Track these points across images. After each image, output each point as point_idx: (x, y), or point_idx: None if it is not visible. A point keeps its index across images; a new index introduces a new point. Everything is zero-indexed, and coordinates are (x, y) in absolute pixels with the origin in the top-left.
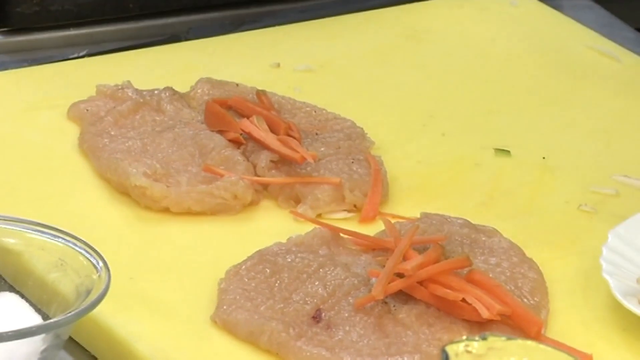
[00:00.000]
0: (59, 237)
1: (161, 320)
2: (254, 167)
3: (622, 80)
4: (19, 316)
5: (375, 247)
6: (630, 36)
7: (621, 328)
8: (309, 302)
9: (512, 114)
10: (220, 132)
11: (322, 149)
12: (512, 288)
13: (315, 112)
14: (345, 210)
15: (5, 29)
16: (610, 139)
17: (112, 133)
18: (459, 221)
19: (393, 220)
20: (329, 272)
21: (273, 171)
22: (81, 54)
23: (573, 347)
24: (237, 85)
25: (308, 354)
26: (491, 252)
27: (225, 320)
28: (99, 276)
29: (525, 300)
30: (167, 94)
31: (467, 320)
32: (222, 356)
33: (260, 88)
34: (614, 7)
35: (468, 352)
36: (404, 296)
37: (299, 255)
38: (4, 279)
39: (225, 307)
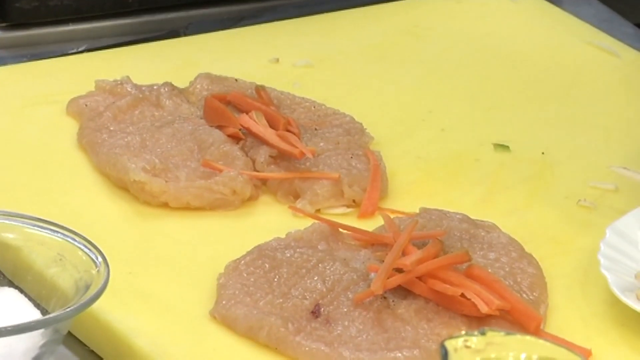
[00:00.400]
0: (58, 232)
1: (160, 315)
2: (253, 162)
3: (622, 76)
4: (18, 311)
5: (374, 242)
6: (630, 32)
7: (619, 323)
8: (308, 297)
9: (511, 109)
10: (219, 127)
11: (321, 144)
12: (511, 283)
13: (314, 107)
14: (344, 205)
15: (4, 24)
16: (610, 135)
17: (111, 128)
18: (458, 216)
19: (392, 216)
20: (327, 267)
21: (272, 166)
22: (80, 49)
23: (572, 342)
24: (236, 80)
25: (307, 349)
26: (490, 247)
27: (224, 315)
28: (98, 271)
29: (524, 295)
30: (166, 89)
31: (466, 315)
32: (221, 351)
33: (259, 83)
34: (614, 2)
35: (467, 347)
36: (403, 291)
37: (297, 250)
38: (3, 274)
39: (224, 302)
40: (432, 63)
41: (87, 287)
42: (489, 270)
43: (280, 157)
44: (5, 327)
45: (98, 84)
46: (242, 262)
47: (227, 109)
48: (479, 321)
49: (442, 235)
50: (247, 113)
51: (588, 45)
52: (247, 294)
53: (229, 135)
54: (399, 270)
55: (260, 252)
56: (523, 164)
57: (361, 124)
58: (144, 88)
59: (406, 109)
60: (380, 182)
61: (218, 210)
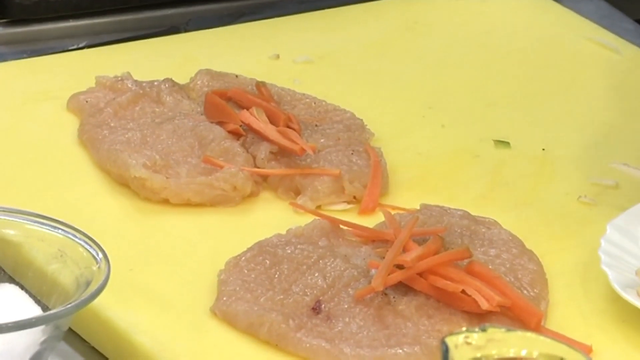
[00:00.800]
0: (58, 228)
1: (161, 311)
2: (254, 158)
3: (622, 72)
4: (18, 307)
5: (375, 239)
6: (630, 28)
7: (620, 320)
8: (308, 293)
9: (511, 105)
10: (220, 123)
11: (322, 140)
12: (512, 280)
13: (314, 103)
14: (344, 201)
15: (4, 20)
16: (610, 131)
17: (112, 124)
18: (458, 213)
19: (393, 212)
20: (328, 264)
21: (272, 162)
22: (81, 45)
23: (572, 339)
24: (237, 76)
25: (308, 345)
26: (491, 243)
27: (224, 311)
28: (99, 267)
29: (525, 291)
30: (167, 85)
31: (467, 311)
32: (221, 347)
33: (259, 79)
34: None
35: (468, 343)
36: (403, 288)
37: (298, 246)
38: (3, 270)
39: (224, 298)
40: (432, 59)
41: (88, 284)
42: (490, 267)
43: (281, 154)
44: (5, 324)
45: (98, 80)
46: (243, 258)
47: (228, 105)
48: (479, 317)
49: (442, 231)
50: (247, 109)
51: (588, 41)
52: (247, 290)
53: (229, 132)
54: (400, 267)
55: (261, 249)
56: (523, 161)
57: (362, 120)
58: (144, 84)
59: (406, 105)
60: (380, 178)
61: (219, 207)
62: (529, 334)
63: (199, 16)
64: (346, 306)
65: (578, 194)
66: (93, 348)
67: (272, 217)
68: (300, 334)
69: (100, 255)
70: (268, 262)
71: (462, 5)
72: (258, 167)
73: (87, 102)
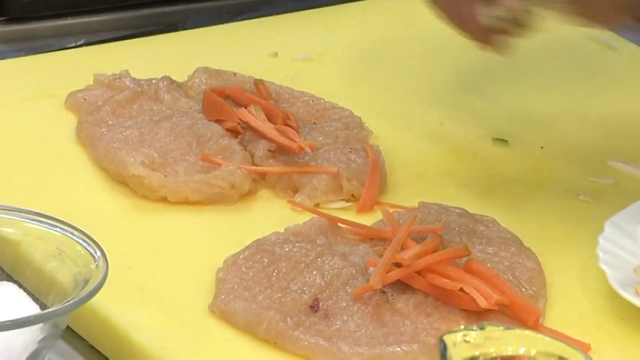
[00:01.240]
0: (56, 226)
1: (159, 309)
2: (252, 156)
3: (621, 70)
4: (16, 305)
5: (373, 237)
6: (628, 25)
7: (618, 318)
8: (306, 291)
9: (510, 103)
10: (218, 121)
11: (320, 138)
12: (510, 278)
13: (313, 101)
14: (343, 199)
15: (3, 18)
16: (609, 129)
17: (110, 122)
18: (457, 211)
19: (391, 210)
20: (326, 262)
21: (271, 160)
22: (79, 43)
23: (570, 337)
24: (235, 74)
25: (306, 343)
26: (489, 241)
27: (223, 309)
28: (97, 266)
29: (523, 289)
30: (165, 83)
31: (465, 309)
32: (220, 345)
33: (258, 77)
34: None
35: (466, 341)
36: (402, 286)
37: (296, 244)
38: (1, 269)
39: (223, 296)
40: (431, 57)
41: (86, 282)
42: (488, 265)
43: (279, 152)
44: (4, 322)
45: (97, 78)
46: (241, 256)
47: (226, 103)
48: (477, 316)
49: (441, 229)
50: (245, 107)
51: (587, 39)
52: (245, 288)
53: (227, 130)
54: (398, 265)
55: (259, 247)
56: (522, 159)
57: (360, 118)
58: (142, 82)
59: (405, 103)
60: (379, 176)
61: (217, 205)
62: (527, 332)
63: (197, 14)
64: (344, 304)
65: (576, 192)
66: (91, 346)
67: (270, 215)
68: (298, 332)
69: (98, 253)
70: (266, 260)
71: None
72: (256, 165)
73: (85, 100)
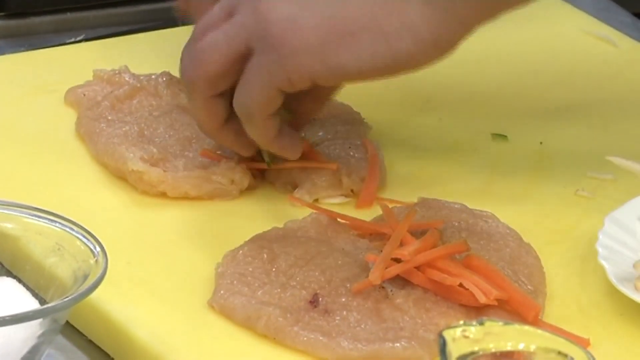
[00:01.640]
0: (56, 221)
1: (158, 305)
2: None
3: (619, 65)
4: (16, 301)
5: (373, 232)
6: (627, 21)
7: (618, 313)
8: (306, 287)
9: (509, 99)
10: None
11: (320, 133)
12: (510, 273)
13: None
14: (342, 195)
15: (2, 14)
16: (608, 124)
17: (109, 118)
18: (456, 206)
19: (390, 205)
20: (326, 257)
21: None
22: (78, 38)
23: (570, 332)
24: None
25: (305, 339)
26: (489, 237)
27: (222, 305)
28: (96, 261)
29: (522, 285)
30: (164, 78)
31: (465, 305)
32: (219, 341)
33: None
34: None
35: (465, 337)
36: (401, 281)
37: (296, 240)
38: (1, 264)
39: (222, 292)
40: None
41: (86, 277)
42: (487, 260)
43: None
44: (3, 317)
45: (96, 73)
46: (240, 251)
47: None
48: (477, 311)
49: (440, 225)
50: None
51: (585, 34)
52: (245, 283)
53: None
54: (397, 260)
55: (259, 242)
56: (521, 154)
57: (359, 113)
58: (142, 77)
59: (404, 98)
60: (378, 171)
61: (216, 200)
62: (526, 328)
63: None
64: (343, 300)
65: (575, 187)
66: (90, 341)
67: (270, 211)
68: (297, 328)
69: (98, 248)
70: (265, 255)
71: None
72: (256, 161)
73: (84, 95)
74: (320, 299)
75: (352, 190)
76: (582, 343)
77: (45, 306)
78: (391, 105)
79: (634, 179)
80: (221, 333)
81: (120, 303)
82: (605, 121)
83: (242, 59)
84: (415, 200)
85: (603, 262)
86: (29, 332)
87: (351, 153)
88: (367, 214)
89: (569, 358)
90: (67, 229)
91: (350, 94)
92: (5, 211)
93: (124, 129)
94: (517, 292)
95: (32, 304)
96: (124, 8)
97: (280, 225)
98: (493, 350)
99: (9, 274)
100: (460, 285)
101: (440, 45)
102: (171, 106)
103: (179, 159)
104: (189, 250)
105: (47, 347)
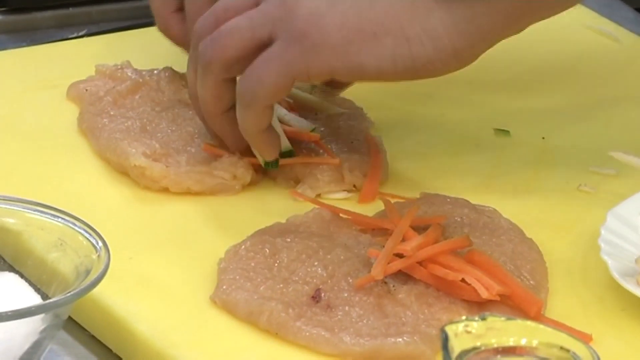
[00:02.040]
0: (58, 217)
1: (160, 300)
2: None
3: (622, 61)
4: (18, 296)
5: (375, 227)
6: (630, 16)
7: (620, 308)
8: (308, 282)
9: (511, 94)
10: None
11: (322, 129)
12: (512, 268)
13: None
14: (344, 190)
15: (4, 9)
16: (610, 120)
17: (112, 113)
18: (458, 201)
19: (393, 201)
20: (328, 253)
21: None
22: (80, 33)
23: (572, 327)
24: None
25: (307, 334)
26: (491, 232)
27: (224, 300)
28: (99, 256)
29: (524, 280)
30: (167, 74)
31: (467, 300)
32: (221, 336)
33: None
34: None
35: (467, 332)
36: (403, 276)
37: (298, 235)
38: (3, 259)
39: (224, 287)
40: None
41: (88, 272)
42: (490, 255)
43: None
44: (5, 312)
45: (98, 68)
46: (243, 247)
47: None
48: (479, 306)
49: (442, 220)
50: None
51: (588, 29)
52: (247, 279)
53: None
54: (400, 256)
55: (261, 237)
56: (523, 149)
57: (362, 108)
58: (144, 73)
59: (406, 94)
60: (380, 167)
61: (218, 195)
62: (528, 323)
63: None
64: (346, 295)
65: (578, 183)
66: (93, 336)
67: (272, 206)
68: (300, 323)
69: (100, 243)
70: (268, 250)
71: None
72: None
73: (86, 90)
74: (322, 294)
75: (354, 186)
76: (585, 338)
77: (47, 301)
78: (394, 101)
79: (636, 174)
80: (223, 328)
81: (122, 298)
82: (608, 116)
83: (262, 47)
84: (418, 196)
85: (605, 258)
86: (31, 327)
87: (354, 148)
88: (370, 209)
89: (571, 353)
90: (70, 224)
91: (352, 89)
92: (8, 206)
93: (126, 124)
94: (520, 287)
95: (35, 299)
96: (126, 3)
97: (283, 221)
98: (495, 345)
99: (11, 269)
100: (463, 280)
101: (460, 54)
102: (173, 101)
103: (181, 155)
104: (191, 246)
105: (50, 342)
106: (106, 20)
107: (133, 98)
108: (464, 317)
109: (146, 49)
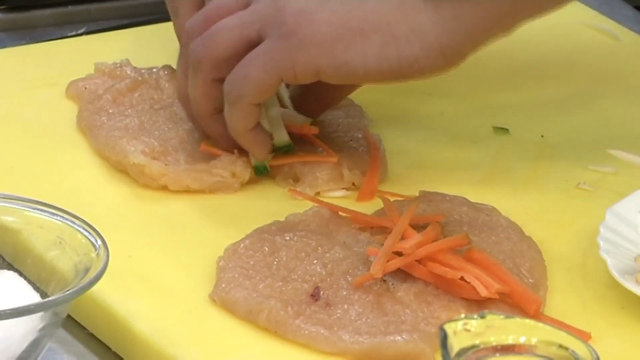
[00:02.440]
0: (57, 215)
1: (159, 298)
2: None
3: (621, 59)
4: (17, 294)
5: (374, 226)
6: (629, 14)
7: (619, 306)
8: (307, 280)
9: (510, 92)
10: None
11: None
12: (511, 266)
13: None
14: (343, 188)
15: (3, 7)
16: (609, 118)
17: (111, 111)
18: (457, 199)
19: (392, 199)
20: (327, 251)
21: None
22: (79, 31)
23: (571, 325)
24: None
25: (306, 332)
26: (490, 230)
27: (223, 298)
28: (98, 254)
29: (523, 278)
30: (166, 72)
31: (466, 298)
32: (220, 334)
33: None
34: None
35: (466, 330)
36: (402, 274)
37: (297, 233)
38: (2, 257)
39: (223, 285)
40: None
41: (87, 270)
42: (489, 254)
43: None
44: (4, 310)
45: (97, 66)
46: (242, 245)
47: None
48: (478, 304)
49: (441, 218)
50: None
51: (587, 27)
52: (246, 277)
53: None
54: (399, 254)
55: (260, 236)
56: (522, 147)
57: (360, 106)
58: (143, 71)
59: (405, 92)
60: (379, 165)
61: (217, 193)
62: (527, 321)
63: None
64: (345, 293)
65: (577, 181)
66: (92, 335)
67: (271, 204)
68: (299, 321)
69: (99, 242)
70: (267, 249)
71: None
72: None
73: (85, 88)
74: (321, 292)
75: (353, 184)
76: (584, 336)
77: (46, 299)
78: (392, 99)
79: (635, 172)
80: (222, 326)
81: (121, 296)
82: (607, 114)
83: (252, 46)
84: (417, 194)
85: (604, 256)
86: (30, 325)
87: (352, 146)
88: (369, 207)
89: (570, 351)
90: (68, 222)
91: None
92: (6, 204)
93: (125, 122)
94: (519, 285)
95: (33, 298)
96: (125, 1)
97: (282, 219)
98: (494, 343)
99: (10, 267)
100: (462, 278)
101: (447, 53)
102: (172, 99)
103: (180, 153)
104: (190, 244)
105: (48, 340)
106: (105, 18)
107: (132, 96)
108: (463, 315)
109: (145, 47)
